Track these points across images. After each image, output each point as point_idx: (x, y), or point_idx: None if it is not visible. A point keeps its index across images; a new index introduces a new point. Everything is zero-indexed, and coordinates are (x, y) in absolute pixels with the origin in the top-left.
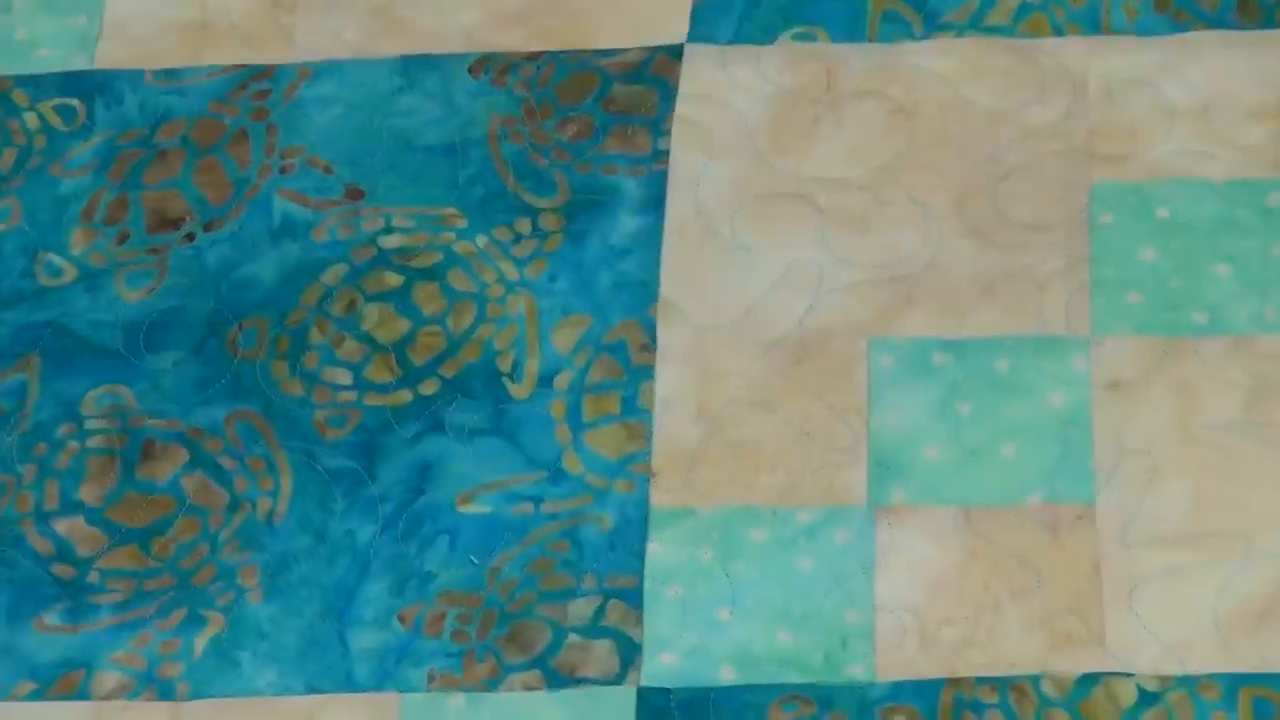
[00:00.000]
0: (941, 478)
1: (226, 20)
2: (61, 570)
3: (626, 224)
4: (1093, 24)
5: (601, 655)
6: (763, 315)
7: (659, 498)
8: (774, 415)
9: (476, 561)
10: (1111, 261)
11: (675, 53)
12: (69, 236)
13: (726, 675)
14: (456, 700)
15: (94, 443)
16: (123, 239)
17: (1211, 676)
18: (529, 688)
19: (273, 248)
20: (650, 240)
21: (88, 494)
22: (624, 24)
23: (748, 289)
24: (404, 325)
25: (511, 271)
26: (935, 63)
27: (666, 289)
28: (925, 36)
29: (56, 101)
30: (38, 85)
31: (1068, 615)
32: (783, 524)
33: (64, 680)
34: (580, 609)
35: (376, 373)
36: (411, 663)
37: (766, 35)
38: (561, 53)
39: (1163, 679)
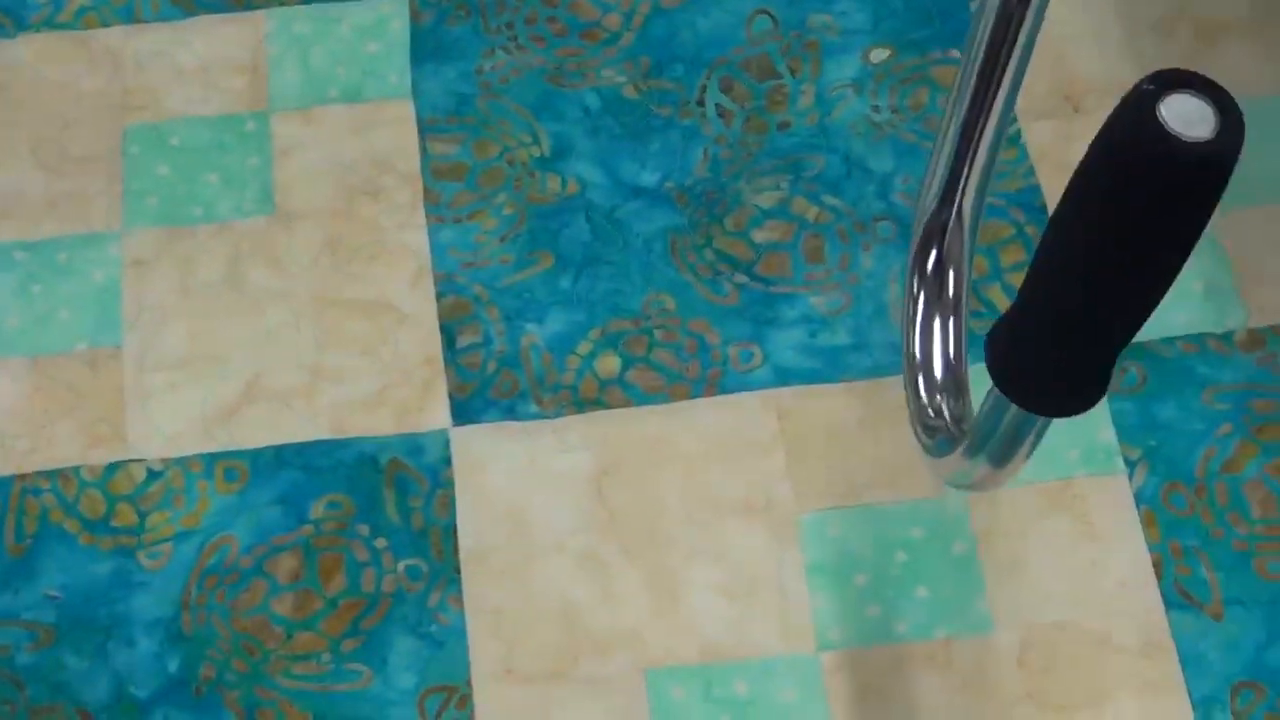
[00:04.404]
0: (18, 338)
1: None
2: None
3: None
4: (129, 16)
5: None
6: None
7: None
8: None
9: None
10: (138, 178)
11: None
12: None
13: None
14: None
15: None
16: None
17: (197, 456)
18: None
19: None
20: None
21: None
22: None
23: None
24: None
25: None
26: (22, 52)
27: None
28: (16, 35)
29: None
30: None
31: (101, 423)
32: None
33: None
34: None
35: None
36: None
37: None
38: None
39: (165, 460)
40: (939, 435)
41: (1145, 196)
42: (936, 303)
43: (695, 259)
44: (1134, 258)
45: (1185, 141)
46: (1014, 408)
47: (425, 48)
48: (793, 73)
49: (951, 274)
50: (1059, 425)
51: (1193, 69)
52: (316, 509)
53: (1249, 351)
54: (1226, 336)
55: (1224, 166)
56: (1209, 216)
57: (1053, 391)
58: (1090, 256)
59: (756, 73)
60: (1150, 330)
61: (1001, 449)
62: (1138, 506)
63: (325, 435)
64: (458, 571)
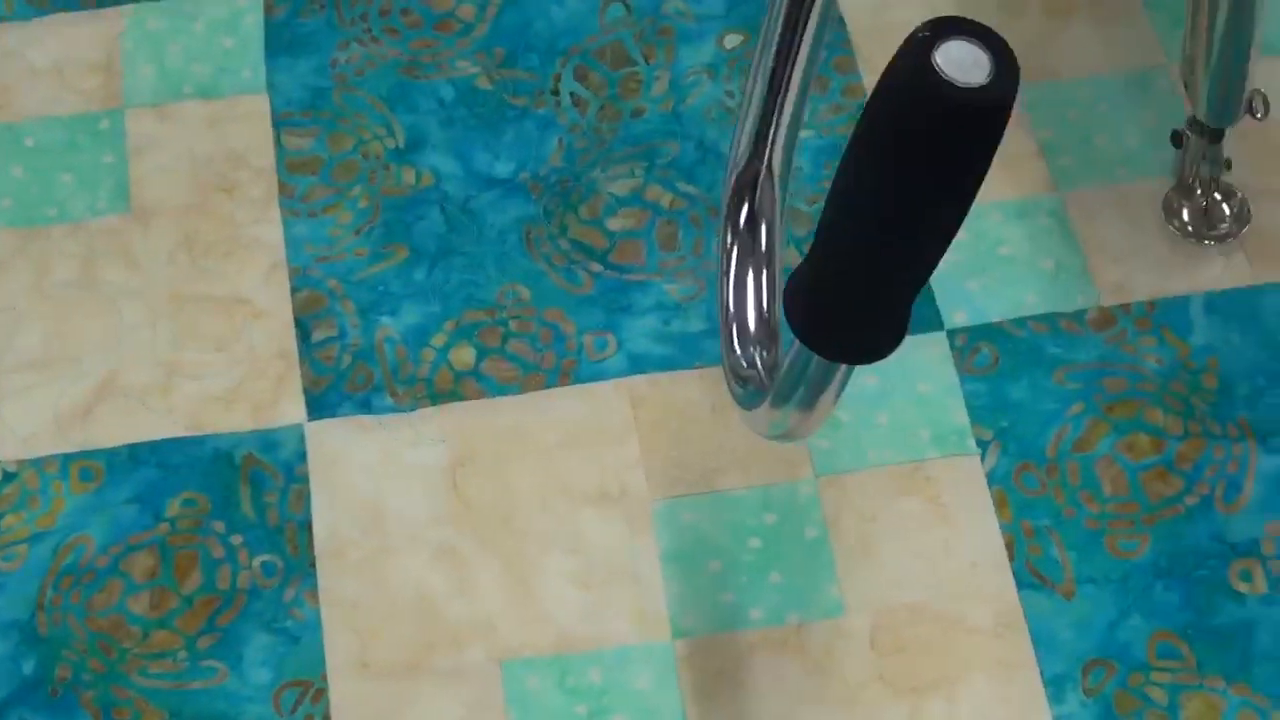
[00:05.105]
0: None
1: None
2: None
3: None
4: None
5: None
6: None
7: None
8: None
9: None
10: None
11: None
12: None
13: None
14: None
15: None
16: None
17: (52, 456)
18: None
19: None
20: None
21: None
22: None
23: None
24: None
25: None
26: None
27: None
28: None
29: None
30: None
31: None
32: None
33: None
34: None
35: None
36: None
37: None
38: None
39: (19, 462)
40: (751, 386)
41: (922, 142)
42: (749, 255)
43: (550, 248)
44: (916, 204)
45: (959, 87)
46: (815, 357)
47: (279, 41)
48: (647, 59)
49: (763, 227)
50: (910, 406)
51: (1043, 48)
52: (172, 507)
53: (1100, 330)
54: (1078, 316)
55: (999, 112)
56: (988, 161)
57: (850, 340)
58: (875, 203)
59: (611, 60)
60: (1001, 310)
61: (807, 398)
62: (990, 487)
63: (181, 433)
64: (313, 566)
